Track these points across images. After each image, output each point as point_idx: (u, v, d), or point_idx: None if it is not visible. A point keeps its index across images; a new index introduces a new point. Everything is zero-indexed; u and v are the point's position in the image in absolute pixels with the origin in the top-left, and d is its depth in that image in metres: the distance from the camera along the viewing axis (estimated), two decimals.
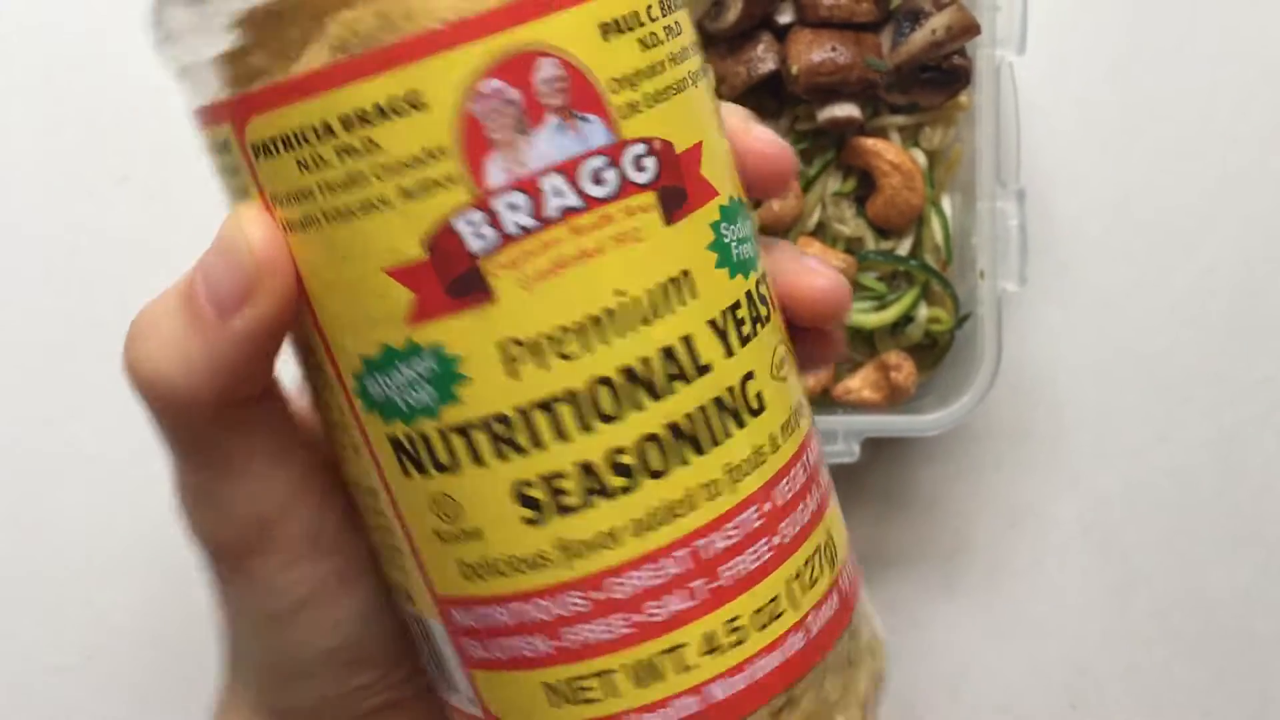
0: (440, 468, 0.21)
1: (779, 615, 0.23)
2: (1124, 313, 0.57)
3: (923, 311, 0.50)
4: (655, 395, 0.21)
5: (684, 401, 0.21)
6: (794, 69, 0.47)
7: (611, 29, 0.21)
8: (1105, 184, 0.57)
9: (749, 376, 0.22)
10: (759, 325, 0.23)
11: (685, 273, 0.21)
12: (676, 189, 0.21)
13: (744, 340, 0.22)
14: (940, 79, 0.48)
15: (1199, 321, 0.57)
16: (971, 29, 0.47)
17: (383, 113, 0.19)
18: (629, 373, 0.21)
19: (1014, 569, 0.57)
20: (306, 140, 0.20)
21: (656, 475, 0.21)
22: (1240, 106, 0.57)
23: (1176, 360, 0.57)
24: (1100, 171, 0.57)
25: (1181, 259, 0.57)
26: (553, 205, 0.20)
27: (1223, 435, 0.57)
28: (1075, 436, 0.57)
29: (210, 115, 0.21)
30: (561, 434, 0.21)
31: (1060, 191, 0.56)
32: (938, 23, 0.47)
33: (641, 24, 0.21)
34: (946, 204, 0.51)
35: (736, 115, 0.26)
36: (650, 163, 0.21)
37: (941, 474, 0.57)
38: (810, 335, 0.28)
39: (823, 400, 0.51)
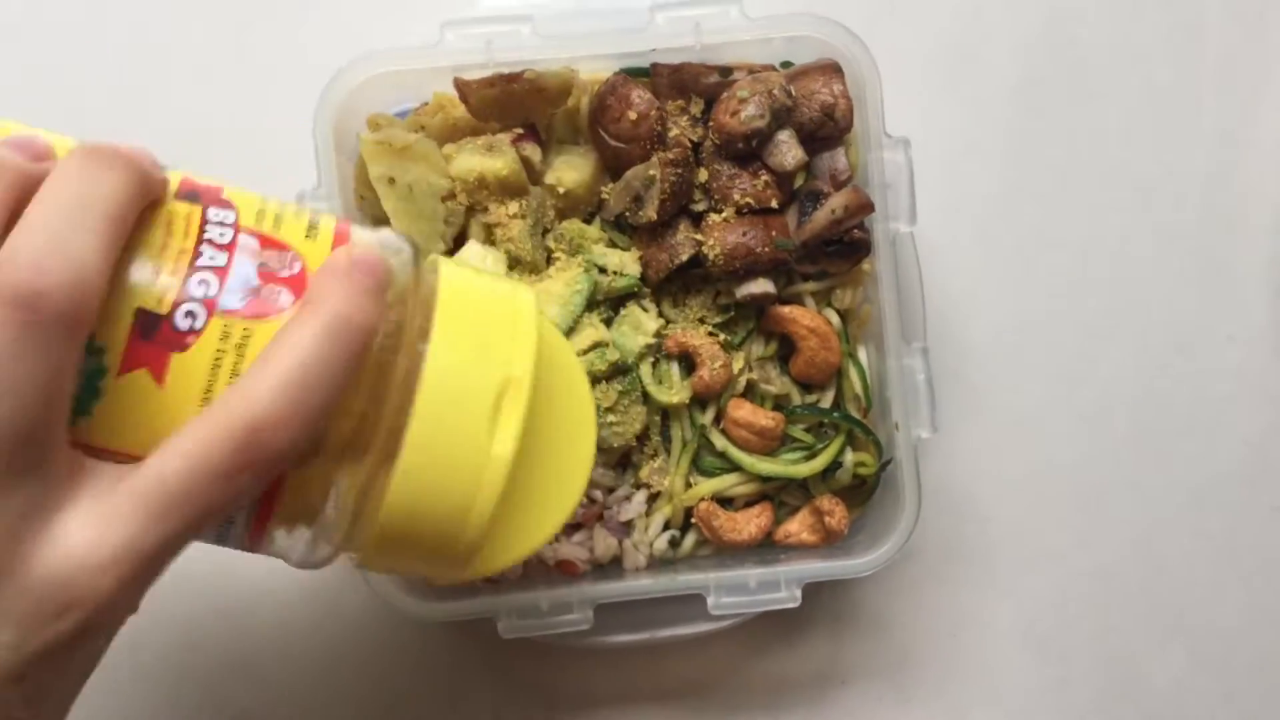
0: None
1: None
2: (1038, 430, 0.62)
3: (849, 457, 0.55)
4: None
5: None
6: (711, 255, 0.52)
7: None
8: (1010, 313, 0.62)
9: None
10: None
11: None
12: None
13: None
14: (844, 250, 0.53)
15: (1107, 431, 0.62)
16: (866, 207, 0.52)
17: None
18: None
19: (959, 674, 0.61)
20: None
21: None
22: (1125, 228, 0.62)
23: (1090, 468, 0.62)
24: (1004, 302, 0.62)
25: (1084, 374, 0.62)
26: None
27: (1140, 534, 0.62)
28: (1004, 547, 0.61)
29: None
30: None
31: (970, 323, 0.62)
32: (836, 203, 0.52)
33: None
34: (863, 355, 0.56)
35: None
36: None
37: (885, 593, 0.61)
38: None
39: (765, 545, 0.55)
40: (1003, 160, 0.62)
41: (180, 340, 0.29)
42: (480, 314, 0.32)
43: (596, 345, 0.52)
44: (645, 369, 0.53)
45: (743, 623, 0.57)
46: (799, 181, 0.54)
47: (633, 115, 0.52)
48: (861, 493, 0.56)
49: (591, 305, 0.53)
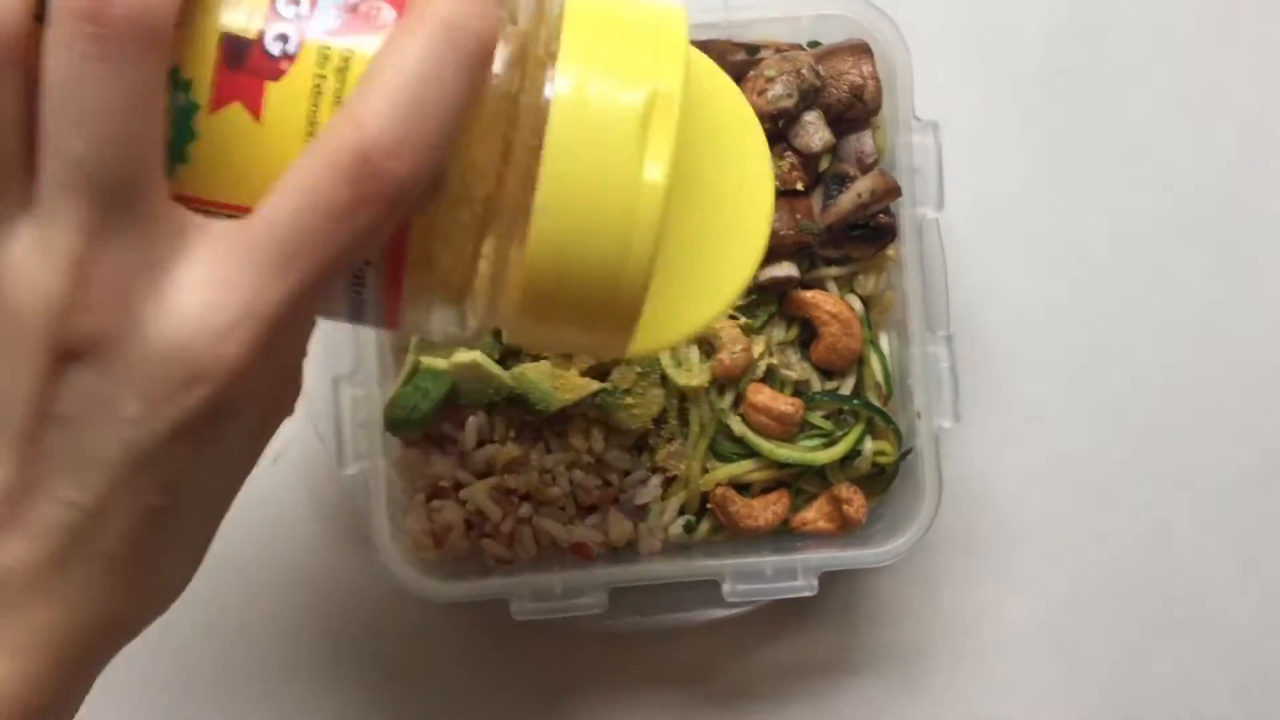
0: None
1: None
2: (1057, 423, 0.61)
3: (868, 445, 0.54)
4: None
5: None
6: None
7: None
8: (1032, 305, 0.61)
9: None
10: None
11: None
12: None
13: None
14: (869, 235, 0.53)
15: (1127, 425, 0.61)
16: (893, 191, 0.51)
17: None
18: None
19: (972, 668, 0.61)
20: None
21: None
22: (1151, 221, 0.61)
23: (1109, 462, 0.61)
24: (1027, 293, 0.61)
25: (1106, 368, 0.61)
26: None
27: (1155, 530, 0.61)
28: (1019, 541, 0.61)
29: None
30: None
31: (991, 314, 0.61)
32: (863, 186, 0.52)
33: None
34: (885, 342, 0.55)
35: None
36: None
37: (898, 584, 0.60)
38: None
39: (781, 531, 0.55)
40: (1029, 148, 0.61)
41: (274, 68, 0.26)
42: (617, 29, 0.27)
43: None
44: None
45: (755, 609, 0.56)
46: (825, 164, 0.53)
47: None
48: (880, 481, 0.55)
49: None
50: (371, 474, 0.50)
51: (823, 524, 0.54)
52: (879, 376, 0.55)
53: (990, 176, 0.61)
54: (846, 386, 0.55)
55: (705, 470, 0.54)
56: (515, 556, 0.52)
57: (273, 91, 0.26)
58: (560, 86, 0.26)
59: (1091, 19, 0.62)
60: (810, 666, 0.60)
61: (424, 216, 0.26)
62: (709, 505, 0.54)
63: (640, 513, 0.54)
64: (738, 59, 0.52)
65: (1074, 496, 0.61)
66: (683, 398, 0.54)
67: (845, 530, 0.54)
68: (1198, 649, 0.61)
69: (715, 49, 0.51)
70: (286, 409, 0.30)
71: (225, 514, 0.30)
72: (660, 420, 0.53)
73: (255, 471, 0.35)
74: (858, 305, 0.54)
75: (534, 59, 0.27)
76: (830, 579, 0.54)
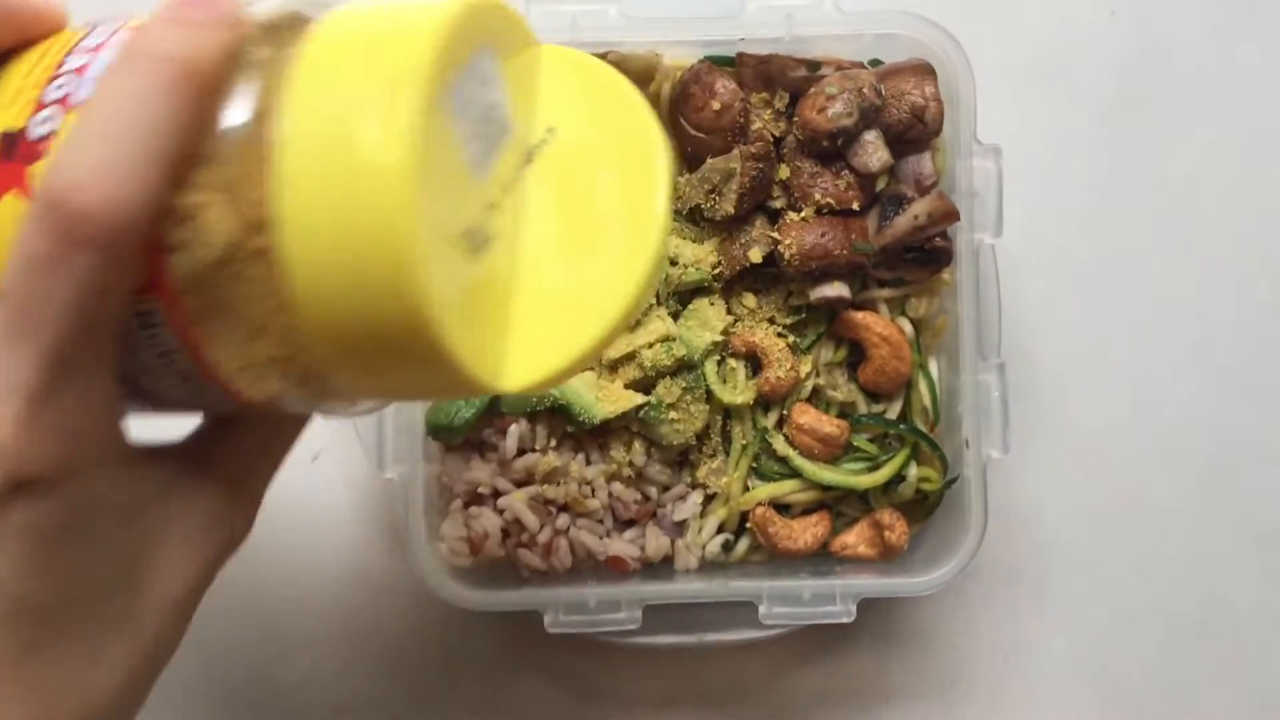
0: None
1: None
2: (1106, 455, 0.60)
3: (913, 471, 0.53)
4: None
5: None
6: (786, 254, 0.51)
7: None
8: (1085, 334, 0.60)
9: None
10: None
11: None
12: None
13: None
14: (923, 258, 0.52)
15: (1177, 460, 0.60)
16: (951, 215, 0.50)
17: None
18: None
19: (1010, 701, 0.59)
20: None
21: None
22: (1211, 255, 0.60)
23: (1157, 499, 0.60)
24: (1080, 321, 0.60)
25: (1159, 402, 0.60)
26: None
27: (1204, 567, 0.60)
28: (1063, 573, 0.60)
29: None
30: None
31: (1043, 341, 0.60)
32: (920, 209, 0.51)
33: None
34: (934, 367, 0.54)
35: None
36: None
37: (937, 612, 0.59)
38: None
39: (819, 555, 0.54)
40: (1090, 177, 0.60)
41: (40, 150, 0.25)
42: (359, 43, 0.25)
43: (664, 339, 0.51)
44: (710, 367, 0.52)
45: (789, 632, 0.55)
46: (882, 184, 0.52)
47: (716, 105, 0.50)
48: (922, 508, 0.54)
49: (659, 298, 0.52)
50: (410, 478, 0.50)
51: (863, 549, 0.53)
52: (926, 401, 0.54)
53: (1048, 202, 0.60)
54: (893, 410, 0.54)
55: (746, 489, 0.53)
56: (550, 568, 0.52)
57: (39, 173, 0.25)
58: (285, 109, 0.24)
59: (1157, 47, 0.60)
60: (845, 692, 0.59)
61: (188, 262, 0.25)
62: (748, 525, 0.53)
63: (678, 529, 0.53)
64: (798, 75, 0.51)
65: (1120, 531, 0.60)
66: (727, 415, 0.53)
67: (886, 556, 0.53)
68: (1240, 689, 0.59)
69: (776, 64, 0.51)
70: (223, 538, 0.30)
71: (142, 631, 0.29)
72: (703, 436, 0.53)
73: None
74: (908, 328, 0.53)
75: (275, 89, 0.25)
76: (868, 603, 0.53)
